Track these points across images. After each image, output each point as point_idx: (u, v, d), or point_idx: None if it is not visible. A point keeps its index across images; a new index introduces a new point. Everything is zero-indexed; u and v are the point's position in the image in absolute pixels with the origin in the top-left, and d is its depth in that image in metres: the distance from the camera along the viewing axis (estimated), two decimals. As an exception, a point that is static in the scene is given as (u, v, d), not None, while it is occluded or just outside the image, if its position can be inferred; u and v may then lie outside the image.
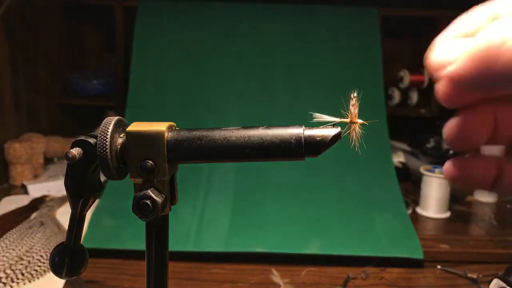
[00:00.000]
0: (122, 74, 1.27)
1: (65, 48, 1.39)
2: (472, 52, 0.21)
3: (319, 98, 1.08)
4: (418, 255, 0.77)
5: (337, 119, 0.26)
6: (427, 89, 1.29)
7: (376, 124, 1.05)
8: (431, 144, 1.28)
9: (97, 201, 0.89)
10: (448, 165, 0.25)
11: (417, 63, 1.36)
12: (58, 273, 0.30)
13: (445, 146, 1.24)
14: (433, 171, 0.94)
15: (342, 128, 0.26)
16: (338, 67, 1.13)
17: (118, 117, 0.28)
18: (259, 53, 1.14)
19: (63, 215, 0.91)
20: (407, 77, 1.27)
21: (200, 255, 0.78)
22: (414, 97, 1.30)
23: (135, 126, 0.27)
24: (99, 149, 0.27)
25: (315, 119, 0.26)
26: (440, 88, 0.24)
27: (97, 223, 0.84)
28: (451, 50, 0.23)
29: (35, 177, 1.10)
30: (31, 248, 0.75)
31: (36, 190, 1.03)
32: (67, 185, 0.29)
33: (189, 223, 0.84)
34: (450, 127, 0.25)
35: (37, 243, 0.76)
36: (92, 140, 0.28)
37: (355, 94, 0.26)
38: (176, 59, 1.14)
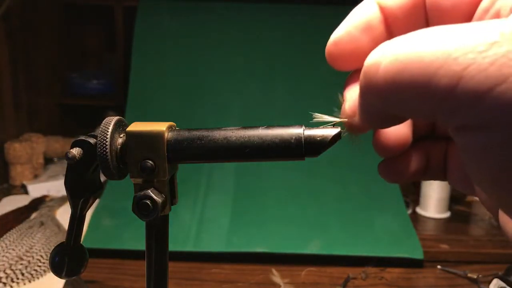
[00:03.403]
0: (122, 74, 1.27)
1: (65, 48, 1.39)
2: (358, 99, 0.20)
3: (319, 98, 1.08)
4: (418, 255, 0.77)
5: (337, 119, 0.26)
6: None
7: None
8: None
9: (97, 201, 0.89)
10: (381, 169, 0.26)
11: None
12: (58, 273, 0.30)
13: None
14: (433, 171, 0.94)
15: (342, 128, 0.26)
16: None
17: (118, 117, 0.28)
18: (259, 53, 1.14)
19: (63, 215, 0.91)
20: (407, 77, 1.27)
21: (200, 255, 0.78)
22: (414, 97, 1.30)
23: (135, 126, 0.27)
24: (99, 149, 0.27)
25: (315, 119, 0.26)
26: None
27: (97, 223, 0.84)
28: (353, 97, 0.22)
29: (35, 177, 1.10)
30: (31, 248, 0.75)
31: (36, 190, 1.03)
32: (67, 185, 0.29)
33: (189, 223, 0.84)
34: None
35: (37, 243, 0.76)
36: (92, 140, 0.28)
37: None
38: (176, 59, 1.14)
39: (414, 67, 0.16)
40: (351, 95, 0.23)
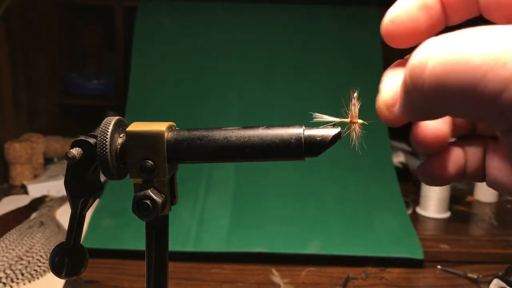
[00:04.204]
0: (122, 74, 1.27)
1: (65, 48, 1.39)
2: (403, 88, 0.20)
3: (319, 98, 1.08)
4: (418, 255, 0.77)
5: (337, 119, 0.26)
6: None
7: (376, 124, 1.04)
8: (431, 144, 1.28)
9: (97, 201, 0.89)
10: (421, 171, 0.25)
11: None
12: (58, 273, 0.30)
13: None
14: (433, 171, 0.94)
15: (342, 128, 0.26)
16: (339, 67, 1.13)
17: (118, 117, 0.28)
18: (259, 53, 1.14)
19: (63, 215, 0.91)
20: (407, 77, 1.27)
21: (200, 255, 0.78)
22: (414, 97, 1.29)
23: (135, 126, 0.27)
24: (99, 149, 0.27)
25: (315, 119, 0.26)
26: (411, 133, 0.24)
27: (97, 223, 0.84)
28: (394, 86, 0.22)
29: (35, 177, 1.10)
30: (31, 248, 0.75)
31: (36, 190, 1.03)
32: (67, 185, 0.29)
33: (189, 223, 0.84)
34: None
35: (37, 243, 0.76)
36: (92, 140, 0.28)
37: (356, 94, 0.26)
38: (176, 59, 1.14)
39: (461, 71, 0.16)
40: (392, 84, 0.22)
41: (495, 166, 0.23)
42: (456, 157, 0.24)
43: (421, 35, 0.23)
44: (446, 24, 0.23)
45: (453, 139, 0.25)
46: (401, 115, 0.21)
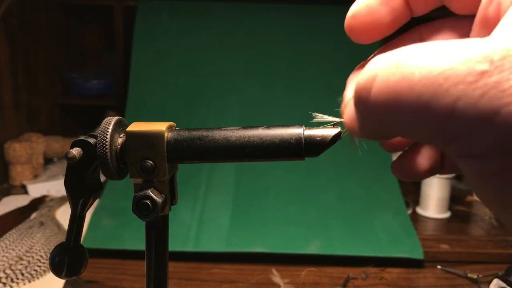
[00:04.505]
0: (122, 74, 1.27)
1: (65, 48, 1.39)
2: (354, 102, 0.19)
3: (319, 98, 1.08)
4: (418, 255, 0.77)
5: (337, 119, 0.26)
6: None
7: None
8: (431, 144, 1.28)
9: (97, 201, 0.89)
10: (394, 168, 0.25)
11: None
12: (58, 273, 0.30)
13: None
14: (433, 171, 0.94)
15: (342, 128, 0.26)
16: (339, 67, 1.13)
17: (118, 117, 0.28)
18: (259, 53, 1.14)
19: (63, 215, 0.91)
20: (407, 77, 1.27)
21: (200, 255, 0.78)
22: (414, 97, 1.30)
23: (135, 126, 0.27)
24: (99, 149, 0.27)
25: (315, 119, 0.26)
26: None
27: (97, 223, 0.84)
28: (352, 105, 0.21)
29: (35, 177, 1.10)
30: (31, 248, 0.75)
31: (36, 190, 1.03)
32: (67, 185, 0.29)
33: (189, 223, 0.84)
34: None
35: (37, 243, 0.76)
36: (92, 140, 0.28)
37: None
38: (176, 59, 1.14)
39: (406, 97, 0.15)
40: (350, 101, 0.22)
41: None
42: (430, 151, 0.24)
43: (385, 28, 0.22)
44: (412, 15, 0.22)
45: None
46: (360, 134, 0.21)
